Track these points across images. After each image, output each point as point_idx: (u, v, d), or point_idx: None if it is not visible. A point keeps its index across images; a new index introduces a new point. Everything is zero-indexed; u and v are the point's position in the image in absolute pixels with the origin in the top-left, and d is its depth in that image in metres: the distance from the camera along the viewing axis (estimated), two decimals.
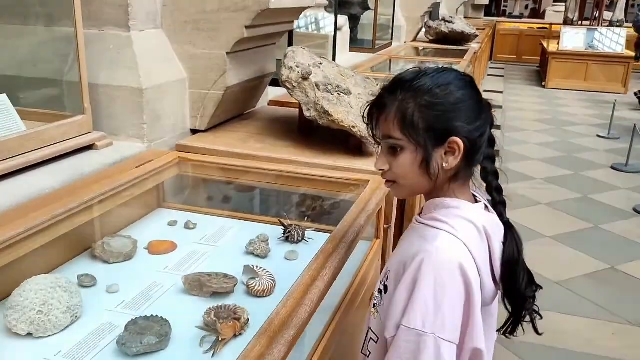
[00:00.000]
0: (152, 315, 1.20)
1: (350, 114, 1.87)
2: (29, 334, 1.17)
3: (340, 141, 1.95)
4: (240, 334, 1.18)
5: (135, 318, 1.19)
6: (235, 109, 2.34)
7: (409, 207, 2.03)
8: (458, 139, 1.00)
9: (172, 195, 1.98)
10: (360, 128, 1.83)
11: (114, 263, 1.51)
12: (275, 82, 2.23)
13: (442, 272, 0.97)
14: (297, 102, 1.96)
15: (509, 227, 1.07)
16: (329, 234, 1.43)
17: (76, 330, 1.21)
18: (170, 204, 1.93)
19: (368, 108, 1.08)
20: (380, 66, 4.72)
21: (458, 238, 1.00)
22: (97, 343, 1.16)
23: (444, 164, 1.01)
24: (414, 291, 0.97)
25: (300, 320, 1.08)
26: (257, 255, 1.54)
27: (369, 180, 1.71)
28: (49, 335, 1.18)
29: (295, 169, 1.83)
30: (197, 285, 1.34)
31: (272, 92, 2.72)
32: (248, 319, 1.21)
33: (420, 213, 1.11)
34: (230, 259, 1.53)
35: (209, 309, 1.23)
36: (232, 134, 2.15)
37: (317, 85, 1.89)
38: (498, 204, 1.09)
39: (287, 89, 1.92)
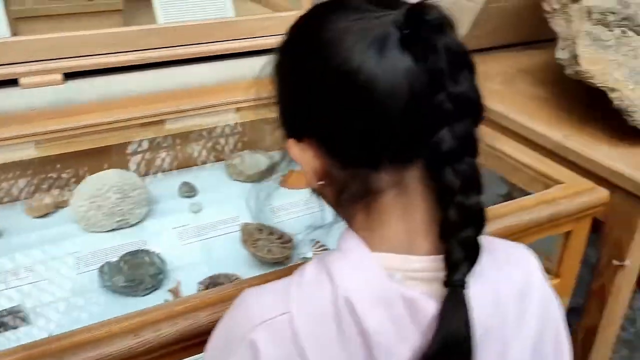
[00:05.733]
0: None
1: (621, 67, 1.12)
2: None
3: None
4: None
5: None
6: None
7: None
8: None
9: None
10: (626, 95, 1.09)
11: (236, 180, 1.36)
12: None
13: None
14: None
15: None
16: None
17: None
18: None
19: None
20: None
21: None
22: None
23: None
24: None
25: None
26: None
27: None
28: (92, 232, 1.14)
29: None
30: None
31: None
32: None
33: None
34: None
35: None
36: None
37: (589, 12, 1.18)
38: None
39: (546, 13, 1.27)
